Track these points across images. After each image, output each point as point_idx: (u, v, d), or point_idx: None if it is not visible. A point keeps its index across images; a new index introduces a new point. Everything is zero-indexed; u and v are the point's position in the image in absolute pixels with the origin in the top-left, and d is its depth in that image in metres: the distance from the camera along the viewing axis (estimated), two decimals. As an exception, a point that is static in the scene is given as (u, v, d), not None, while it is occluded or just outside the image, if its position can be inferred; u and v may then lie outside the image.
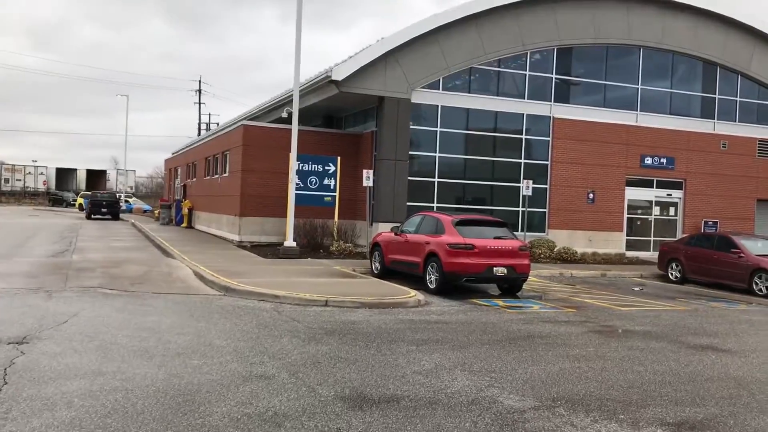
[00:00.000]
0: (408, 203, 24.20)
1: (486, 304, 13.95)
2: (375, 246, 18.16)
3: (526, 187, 23.42)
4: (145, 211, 57.95)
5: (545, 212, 26.32)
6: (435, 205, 24.66)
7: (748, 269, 18.29)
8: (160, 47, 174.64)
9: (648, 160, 27.58)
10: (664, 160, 27.82)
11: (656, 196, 28.25)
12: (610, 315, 13.17)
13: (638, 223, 28.20)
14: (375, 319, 11.24)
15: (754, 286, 18.04)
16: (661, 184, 28.20)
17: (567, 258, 24.11)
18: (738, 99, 29.35)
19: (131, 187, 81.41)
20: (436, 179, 24.85)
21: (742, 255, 18.68)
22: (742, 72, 29.04)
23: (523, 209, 23.92)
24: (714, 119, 28.95)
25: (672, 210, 28.67)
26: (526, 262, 15.22)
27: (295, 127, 20.70)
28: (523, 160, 25.98)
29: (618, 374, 8.16)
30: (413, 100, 24.17)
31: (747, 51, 28.87)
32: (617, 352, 9.62)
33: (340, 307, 12.32)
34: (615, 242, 27.14)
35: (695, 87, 29.02)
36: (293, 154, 20.77)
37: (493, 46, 24.90)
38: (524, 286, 15.95)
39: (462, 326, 11.13)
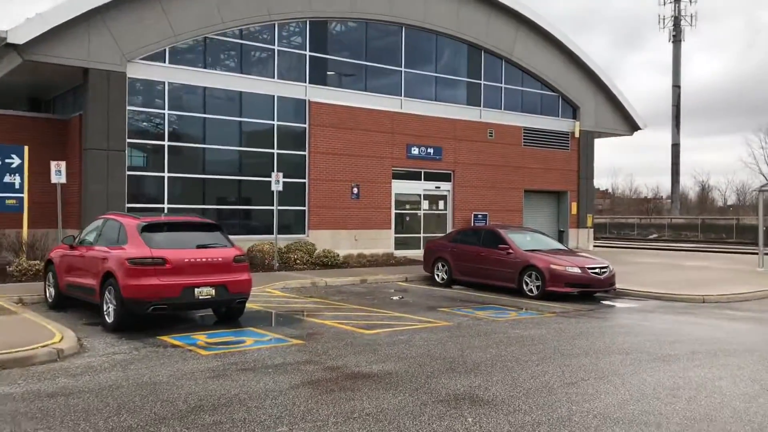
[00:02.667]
0: (131, 205, 19.27)
1: (180, 343, 9.74)
2: (48, 264, 13.15)
3: (275, 181, 19.57)
4: None
5: (304, 211, 22.71)
6: (165, 206, 19.93)
7: (518, 267, 16.02)
8: None
9: (415, 150, 25.15)
10: (431, 150, 25.58)
11: (425, 189, 25.96)
12: (347, 346, 9.61)
13: (407, 219, 25.70)
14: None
15: (524, 286, 15.79)
16: (430, 176, 25.97)
17: (328, 262, 20.69)
18: (503, 85, 28.09)
19: None
20: (166, 174, 20.11)
21: (510, 251, 16.39)
22: (506, 57, 27.79)
23: (276, 208, 20.07)
24: (480, 106, 27.38)
25: (441, 203, 26.60)
26: (244, 277, 11.23)
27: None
28: (276, 151, 22.12)
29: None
30: (130, 75, 19.22)
31: (510, 35, 27.67)
32: (324, 428, 5.94)
33: None
34: (383, 241, 24.32)
35: (461, 72, 27.22)
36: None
37: (231, 13, 20.70)
38: (258, 305, 12.07)
39: (97, 398, 6.82)
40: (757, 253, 23.13)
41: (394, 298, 15.08)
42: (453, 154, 26.26)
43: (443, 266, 18.04)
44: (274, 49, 22.08)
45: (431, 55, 26.10)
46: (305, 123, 22.62)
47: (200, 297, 10.62)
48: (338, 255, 21.17)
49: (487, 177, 27.33)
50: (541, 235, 18.25)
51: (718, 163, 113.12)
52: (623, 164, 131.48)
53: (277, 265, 19.73)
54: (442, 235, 21.64)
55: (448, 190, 26.50)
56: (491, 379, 7.79)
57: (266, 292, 15.56)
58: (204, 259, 10.75)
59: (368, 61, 24.33)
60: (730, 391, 7.42)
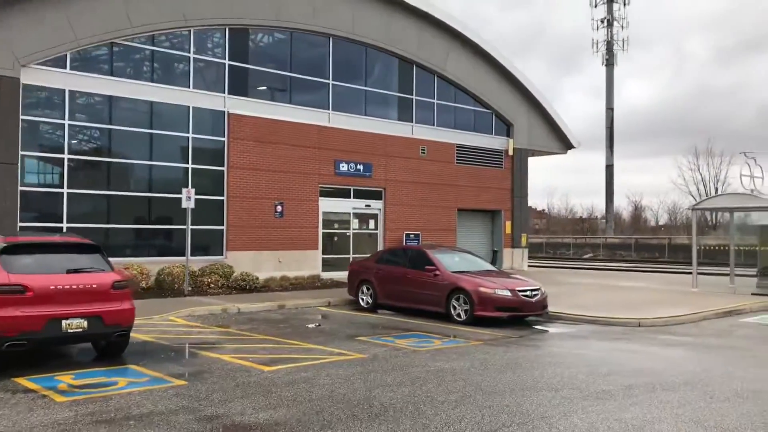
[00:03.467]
0: (24, 224, 17.39)
1: (36, 386, 8.16)
2: None
3: (186, 197, 17.99)
4: None
5: (222, 230, 21.14)
6: (65, 225, 18.09)
7: (445, 290, 14.90)
8: None
9: (344, 167, 23.94)
10: (361, 167, 24.42)
11: (354, 208, 24.75)
12: (238, 387, 8.23)
13: (336, 238, 24.40)
14: None
15: (452, 311, 14.68)
16: (360, 194, 24.79)
17: (246, 286, 19.18)
18: (436, 101, 27.25)
19: None
20: (66, 189, 18.28)
21: (437, 272, 15.28)
22: (439, 72, 27.00)
23: (188, 227, 18.46)
24: (412, 122, 26.42)
25: (372, 222, 25.41)
26: (124, 306, 9.68)
27: None
28: (191, 165, 20.54)
29: None
30: (25, 80, 17.42)
31: (443, 50, 26.91)
32: None
33: None
34: (309, 263, 22.92)
35: (392, 86, 26.26)
36: None
37: (142, 17, 19.15)
38: (152, 336, 10.53)
39: None
40: (690, 273, 22.75)
41: (310, 326, 13.72)
42: (384, 171, 25.17)
43: (368, 289, 16.79)
44: (189, 57, 20.57)
45: (361, 68, 25.04)
46: (224, 136, 21.13)
47: (69, 330, 9.04)
48: (258, 278, 19.68)
49: (419, 195, 26.34)
50: (471, 256, 17.24)
51: (651, 184, 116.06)
52: (559, 185, 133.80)
53: (189, 289, 18.11)
54: (366, 256, 20.39)
55: (379, 209, 25.36)
56: (397, 429, 6.55)
57: (167, 321, 13.99)
58: (75, 286, 9.19)
59: (294, 72, 23.07)
60: (671, 437, 6.40)
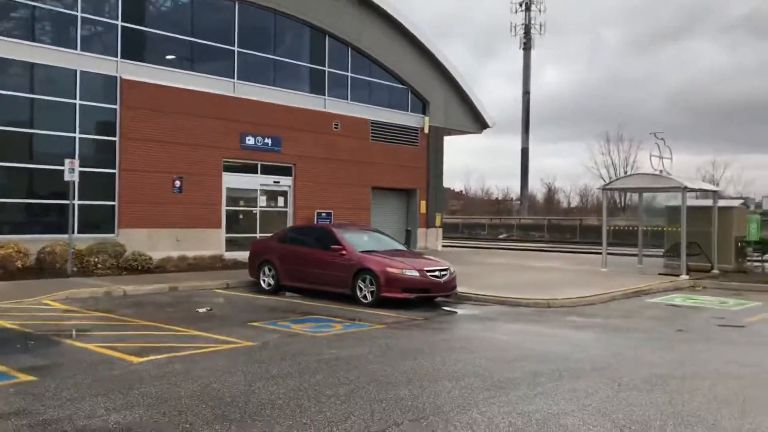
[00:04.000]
0: None
1: None
2: None
3: (69, 169, 16.33)
4: None
5: (114, 206, 19.51)
6: (-73, 198, 16.12)
7: (351, 270, 14.04)
8: None
9: (250, 140, 22.63)
10: (269, 141, 23.16)
11: (262, 184, 23.50)
12: (95, 382, 7.09)
13: (242, 216, 23.13)
14: None
15: (358, 292, 13.85)
16: (268, 170, 23.54)
17: (138, 266, 17.75)
18: (350, 74, 26.22)
19: None
20: (-71, 159, 16.29)
21: (344, 252, 14.40)
22: (354, 45, 25.95)
23: (73, 202, 16.79)
24: (325, 96, 25.31)
25: (282, 200, 24.25)
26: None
27: None
28: (78, 135, 18.78)
29: None
30: None
31: (358, 21, 25.86)
32: None
33: None
34: (212, 242, 21.58)
35: (303, 57, 25.07)
36: None
37: (19, -33, 17.22)
38: (16, 323, 9.13)
39: None
40: (600, 253, 22.83)
41: (201, 310, 12.57)
42: (294, 146, 24.00)
43: (270, 270, 15.73)
44: (77, 16, 18.72)
45: (270, 37, 23.69)
46: (116, 104, 19.44)
47: None
48: (151, 258, 18.25)
49: (332, 172, 25.34)
50: (380, 235, 16.44)
51: (564, 168, 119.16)
52: (477, 167, 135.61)
53: (74, 269, 16.54)
54: (269, 235, 19.26)
55: (289, 186, 24.22)
56: (273, 430, 5.63)
57: (41, 305, 12.55)
58: None
59: (197, 38, 21.51)
60: (578, 433, 5.77)
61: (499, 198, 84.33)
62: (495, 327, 11.41)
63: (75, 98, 18.65)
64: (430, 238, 29.43)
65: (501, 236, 51.44)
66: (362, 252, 14.40)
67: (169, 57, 21.02)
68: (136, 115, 19.71)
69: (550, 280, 18.05)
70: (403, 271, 13.50)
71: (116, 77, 19.36)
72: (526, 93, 70.15)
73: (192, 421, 5.84)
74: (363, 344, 9.50)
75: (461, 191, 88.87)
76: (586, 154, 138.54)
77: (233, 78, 22.31)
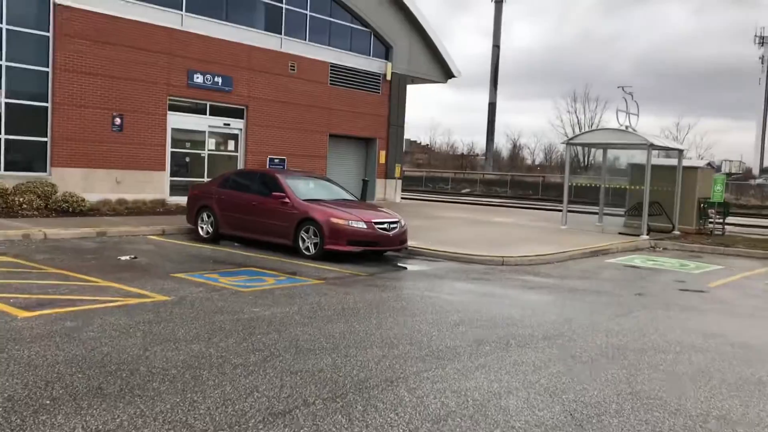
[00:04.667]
0: None
1: None
2: None
3: (-11, 99, 14.85)
4: None
5: (46, 142, 18.03)
6: None
7: (294, 220, 13.01)
8: None
9: (198, 78, 21.13)
10: (219, 80, 21.68)
11: (211, 126, 22.09)
12: (-39, 342, 6.00)
13: (188, 159, 21.76)
14: None
15: (301, 244, 12.85)
16: (217, 111, 22.12)
17: (69, 209, 16.45)
18: (309, 13, 24.66)
19: None
20: None
21: (287, 200, 13.32)
22: (313, -19, 24.36)
23: (0, 136, 15.35)
24: (281, 34, 23.77)
25: (232, 144, 22.91)
26: None
27: None
28: (4, 63, 17.14)
29: None
30: None
31: (318, -45, 24.20)
32: None
33: None
34: (155, 185, 20.26)
35: (259, -9, 23.41)
36: None
37: None
38: None
39: None
40: (561, 210, 22.13)
41: (123, 258, 11.43)
42: (247, 87, 22.56)
43: (208, 217, 14.58)
44: (1, -71, 16.88)
45: (221, -34, 21.95)
46: (48, 31, 17.76)
47: None
48: (84, 200, 16.95)
49: (287, 117, 24.01)
50: (328, 183, 15.39)
51: (530, 125, 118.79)
52: (443, 121, 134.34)
53: (-6, 210, 15.20)
54: (210, 179, 18.05)
55: (241, 129, 22.86)
56: (153, 410, 4.65)
57: (-57, 248, 11.27)
58: None
59: (140, -37, 19.75)
60: (520, 418, 4.89)
61: (465, 153, 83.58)
62: (442, 286, 10.53)
63: (1, 22, 16.92)
64: (389, 190, 28.45)
65: (464, 191, 50.78)
66: (307, 201, 13.34)
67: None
68: (72, 45, 18.07)
69: (507, 237, 17.27)
70: (350, 222, 12.51)
71: (49, 1, 17.62)
72: (496, 47, 68.57)
73: (56, 396, 4.81)
74: (292, 302, 8.53)
75: (427, 145, 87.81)
76: (553, 112, 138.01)
77: (181, 10, 20.64)
